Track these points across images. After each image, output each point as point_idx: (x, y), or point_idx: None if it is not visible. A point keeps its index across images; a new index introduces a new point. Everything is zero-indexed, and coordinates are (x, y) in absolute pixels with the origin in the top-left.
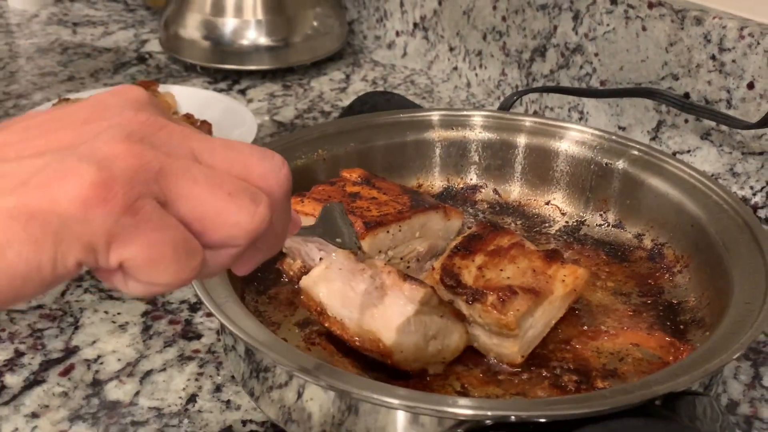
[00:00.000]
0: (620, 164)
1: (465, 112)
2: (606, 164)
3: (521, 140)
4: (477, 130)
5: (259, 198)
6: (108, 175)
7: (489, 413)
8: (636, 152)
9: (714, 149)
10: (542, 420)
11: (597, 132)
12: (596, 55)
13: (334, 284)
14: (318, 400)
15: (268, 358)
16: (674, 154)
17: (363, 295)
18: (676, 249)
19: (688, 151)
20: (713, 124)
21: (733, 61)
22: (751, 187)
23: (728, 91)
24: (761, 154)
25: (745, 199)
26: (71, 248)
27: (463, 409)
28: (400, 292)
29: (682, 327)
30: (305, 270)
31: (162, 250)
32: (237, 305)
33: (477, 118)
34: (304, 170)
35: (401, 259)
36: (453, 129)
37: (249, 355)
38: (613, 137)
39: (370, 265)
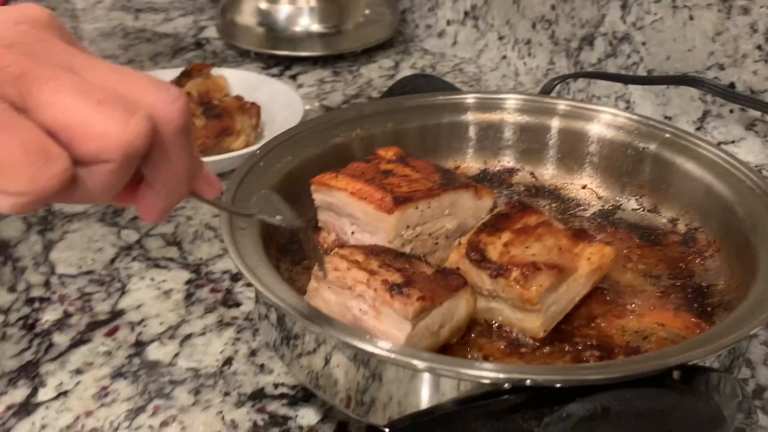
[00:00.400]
0: (656, 149)
1: (500, 95)
2: (643, 149)
3: (557, 124)
4: (513, 113)
5: (135, 109)
6: None
7: (506, 376)
8: (670, 136)
9: (759, 140)
10: (557, 385)
11: (632, 116)
12: (644, 44)
13: (331, 300)
14: (344, 366)
15: (293, 317)
16: (719, 144)
17: (361, 316)
18: (709, 233)
19: (733, 142)
20: (758, 114)
21: None
22: None
23: None
24: None
25: None
26: None
27: (484, 371)
28: (392, 311)
29: (709, 309)
30: (339, 243)
31: (11, 151)
32: (268, 269)
33: (512, 101)
34: (342, 148)
35: (429, 235)
36: (489, 112)
37: (280, 322)
38: (650, 122)
39: (353, 281)
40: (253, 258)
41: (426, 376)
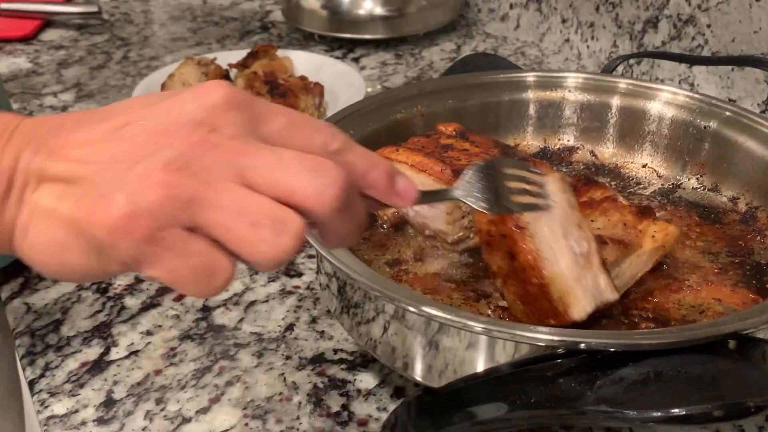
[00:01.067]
0: (716, 127)
1: (561, 74)
2: (704, 127)
3: (617, 102)
4: (573, 91)
5: (284, 228)
6: (134, 209)
7: (560, 339)
8: (731, 114)
9: None
10: (611, 350)
11: (693, 95)
12: (708, 26)
13: (555, 227)
14: (401, 335)
15: (356, 282)
16: None
17: (573, 254)
18: None
19: None
20: None
21: None
22: None
23: None
24: None
25: None
26: (111, 262)
27: (539, 334)
28: (598, 280)
29: None
30: (399, 216)
31: (181, 273)
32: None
33: (572, 79)
34: (403, 124)
35: None
36: (549, 90)
37: (341, 292)
38: (712, 100)
39: (579, 227)
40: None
41: (482, 340)
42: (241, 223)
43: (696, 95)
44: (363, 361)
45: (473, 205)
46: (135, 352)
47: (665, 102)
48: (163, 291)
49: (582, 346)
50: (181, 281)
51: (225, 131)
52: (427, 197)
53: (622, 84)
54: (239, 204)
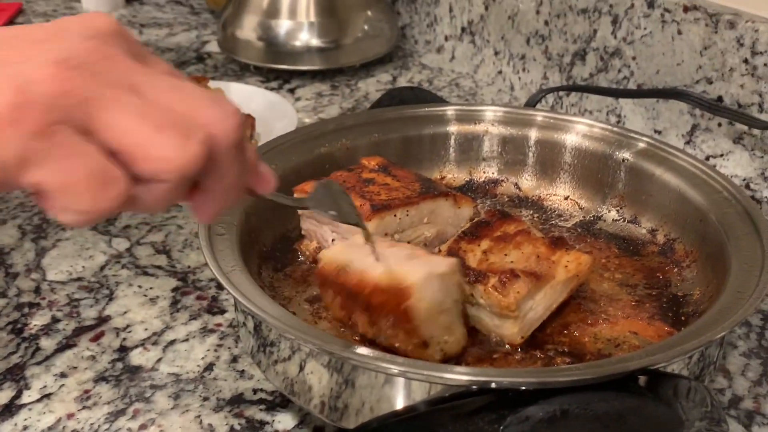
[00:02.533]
0: (632, 159)
1: (480, 107)
2: (622, 159)
3: (537, 135)
4: (494, 124)
5: (192, 133)
6: (24, 99)
7: (470, 378)
8: (645, 146)
9: (746, 153)
10: (522, 388)
11: (607, 126)
12: (634, 58)
13: (358, 251)
14: (318, 373)
15: (260, 318)
16: (708, 158)
17: (391, 256)
18: (686, 244)
19: (721, 155)
20: (746, 128)
21: (765, 64)
22: None
23: (760, 95)
24: None
25: None
26: None
27: (450, 374)
28: (433, 256)
29: (683, 318)
30: (320, 250)
31: (73, 177)
32: (244, 275)
33: (490, 113)
34: (327, 158)
35: (408, 243)
36: (470, 123)
37: (257, 329)
38: (626, 132)
39: (392, 244)
40: (228, 263)
41: (397, 381)
42: (144, 125)
43: (613, 127)
44: (282, 401)
45: (324, 215)
46: (47, 395)
47: (583, 135)
48: (80, 331)
49: (492, 385)
50: (70, 187)
51: (114, 50)
52: (280, 198)
53: (540, 117)
54: (142, 108)
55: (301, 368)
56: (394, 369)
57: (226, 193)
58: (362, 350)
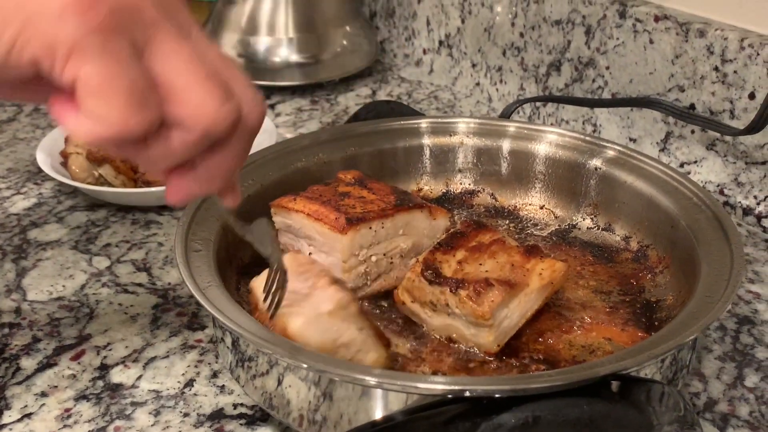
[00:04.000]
0: (606, 167)
1: (453, 119)
2: (595, 168)
3: (510, 145)
4: (467, 136)
5: (231, 96)
6: None
7: (444, 388)
8: (619, 154)
9: (719, 159)
10: (497, 395)
11: (577, 135)
12: (607, 68)
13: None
14: (296, 386)
15: (237, 334)
16: (682, 165)
17: (291, 293)
18: (659, 250)
19: (695, 162)
20: (718, 135)
21: (735, 72)
22: (755, 197)
23: (731, 102)
24: (764, 163)
25: (749, 209)
26: (33, 39)
27: (426, 384)
28: (323, 293)
29: (657, 323)
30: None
31: (116, 82)
32: (220, 290)
33: (463, 125)
34: (304, 173)
35: (384, 255)
36: (444, 135)
37: (234, 344)
38: (600, 141)
39: (310, 269)
40: (204, 279)
41: (374, 392)
42: (193, 72)
43: (584, 136)
44: (262, 415)
45: (257, 248)
46: (28, 415)
47: (555, 144)
48: (61, 350)
49: (466, 393)
50: (109, 91)
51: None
52: (230, 219)
53: (512, 128)
54: (196, 57)
55: (279, 382)
56: (371, 380)
57: (212, 178)
58: (338, 363)
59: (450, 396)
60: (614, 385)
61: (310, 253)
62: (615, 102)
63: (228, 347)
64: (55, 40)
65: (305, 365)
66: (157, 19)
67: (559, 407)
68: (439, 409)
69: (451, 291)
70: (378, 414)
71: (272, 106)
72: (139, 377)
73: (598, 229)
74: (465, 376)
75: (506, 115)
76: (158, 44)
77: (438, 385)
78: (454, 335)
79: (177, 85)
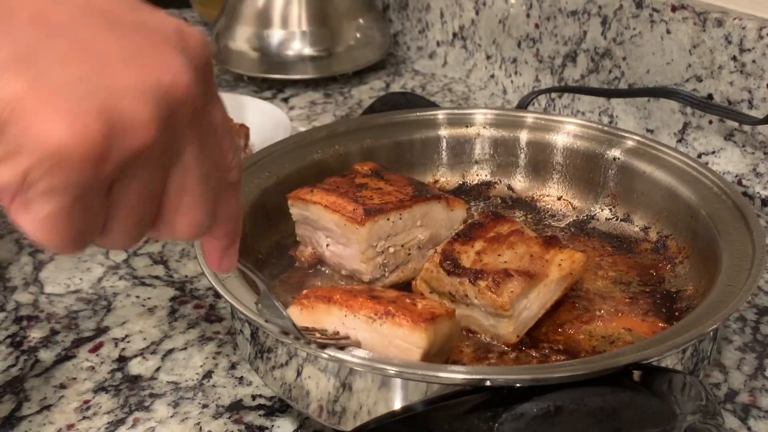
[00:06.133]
0: (624, 157)
1: (469, 111)
2: (614, 159)
3: (527, 136)
4: (484, 127)
5: (212, 219)
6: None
7: (465, 377)
8: (638, 144)
9: (737, 150)
10: (517, 385)
11: (595, 125)
12: (624, 58)
13: None
14: (315, 377)
15: (256, 324)
16: (700, 155)
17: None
18: (679, 240)
19: (713, 152)
20: (736, 125)
21: (753, 61)
22: None
23: (749, 92)
24: None
25: (767, 199)
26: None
27: (446, 373)
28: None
29: (677, 314)
30: (315, 256)
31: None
32: (239, 282)
33: (480, 116)
34: (321, 165)
35: (402, 246)
36: (460, 126)
37: (254, 335)
38: (619, 132)
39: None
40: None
41: (393, 382)
42: (199, 191)
43: (602, 126)
44: (281, 406)
45: (271, 320)
46: (47, 407)
47: (573, 134)
48: (79, 343)
49: (487, 383)
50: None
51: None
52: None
53: (530, 118)
54: (205, 173)
55: (299, 373)
56: (391, 370)
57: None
58: (358, 353)
59: (470, 386)
60: (636, 374)
61: (327, 245)
62: (632, 92)
63: (247, 338)
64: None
65: (325, 355)
66: (191, 125)
67: (581, 396)
68: (459, 399)
69: (470, 282)
70: (398, 405)
71: (285, 100)
72: (158, 369)
73: (617, 219)
74: (485, 366)
75: (523, 105)
76: (186, 160)
77: (459, 375)
78: (473, 326)
79: (181, 205)
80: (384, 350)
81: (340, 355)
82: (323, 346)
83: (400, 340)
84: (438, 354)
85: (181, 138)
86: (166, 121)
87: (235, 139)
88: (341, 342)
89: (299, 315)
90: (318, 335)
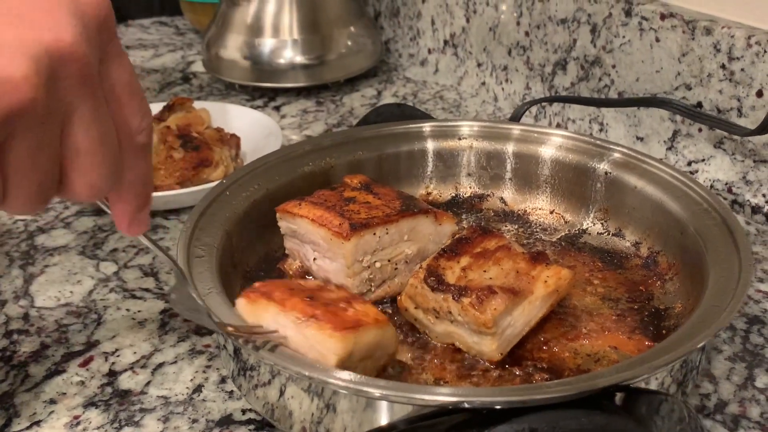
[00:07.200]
0: (615, 172)
1: (457, 123)
2: (606, 173)
3: (512, 149)
4: (474, 139)
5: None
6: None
7: (443, 399)
8: (628, 158)
9: (727, 158)
10: (497, 407)
11: (589, 138)
12: (614, 66)
13: None
14: (298, 398)
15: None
16: (690, 163)
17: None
18: (669, 256)
19: (703, 160)
20: (726, 132)
21: (742, 69)
22: (764, 195)
23: (738, 100)
24: None
25: (757, 207)
26: None
27: (430, 395)
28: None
29: (664, 332)
30: (303, 269)
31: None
32: (221, 296)
33: (466, 128)
34: (311, 177)
35: (389, 261)
36: (449, 139)
37: (237, 353)
38: (609, 145)
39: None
40: (206, 285)
41: (378, 404)
42: (95, 152)
43: (592, 139)
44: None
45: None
46: (37, 423)
47: (561, 147)
48: (69, 357)
49: (464, 405)
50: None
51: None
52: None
53: (516, 130)
54: (102, 134)
55: (282, 393)
56: (376, 392)
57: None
58: (343, 374)
59: (450, 407)
60: (618, 396)
61: (314, 259)
62: (624, 102)
63: (230, 355)
64: None
65: (307, 374)
66: (84, 82)
67: (556, 419)
68: (440, 419)
69: (453, 298)
70: (381, 422)
71: (277, 108)
72: (148, 383)
73: (609, 234)
74: (467, 384)
75: (516, 117)
76: (77, 120)
77: (439, 396)
78: (457, 343)
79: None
80: (307, 352)
81: (324, 378)
82: (237, 339)
83: (319, 345)
84: (368, 359)
85: (71, 96)
86: (48, 78)
87: (145, 102)
88: (263, 337)
89: (245, 307)
90: (231, 328)
